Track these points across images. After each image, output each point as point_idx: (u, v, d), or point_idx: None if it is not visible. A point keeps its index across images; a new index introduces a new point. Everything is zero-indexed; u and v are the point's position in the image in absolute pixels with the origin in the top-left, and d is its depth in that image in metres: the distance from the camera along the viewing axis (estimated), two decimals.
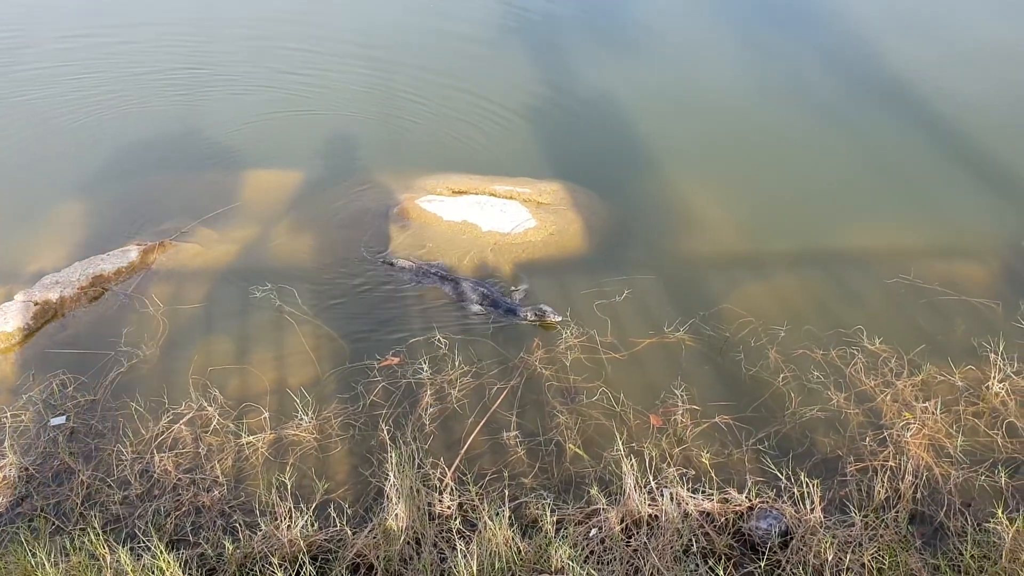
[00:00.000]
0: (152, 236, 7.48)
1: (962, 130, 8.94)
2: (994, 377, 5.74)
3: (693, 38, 11.48)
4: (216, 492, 5.17)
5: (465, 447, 5.48)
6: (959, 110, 9.30)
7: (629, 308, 6.59)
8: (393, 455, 4.98)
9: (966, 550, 4.52)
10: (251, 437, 5.52)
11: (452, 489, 5.06)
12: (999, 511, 4.64)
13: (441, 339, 6.25)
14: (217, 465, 5.34)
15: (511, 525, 4.69)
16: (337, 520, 4.84)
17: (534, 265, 7.17)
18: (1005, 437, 5.45)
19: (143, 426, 5.62)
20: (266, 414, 5.69)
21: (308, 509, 4.87)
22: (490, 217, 7.54)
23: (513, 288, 6.88)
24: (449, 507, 4.97)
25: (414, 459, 5.13)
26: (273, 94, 9.95)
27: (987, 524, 4.71)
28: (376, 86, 10.14)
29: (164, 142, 9.03)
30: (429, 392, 5.85)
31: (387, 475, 4.90)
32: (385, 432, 5.50)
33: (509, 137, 9.05)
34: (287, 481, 5.09)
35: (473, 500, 4.99)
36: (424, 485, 5.06)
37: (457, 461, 5.36)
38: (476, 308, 6.60)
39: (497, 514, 4.68)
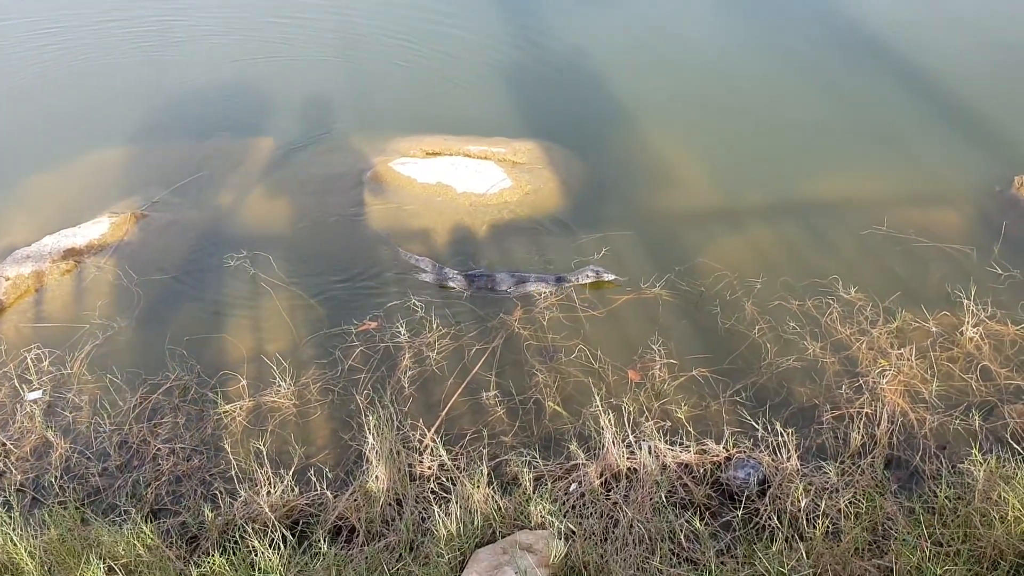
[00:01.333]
0: (124, 207, 7.38)
1: (935, 77, 8.89)
2: (968, 322, 5.78)
3: None
4: (196, 461, 5.17)
5: (446, 408, 5.49)
6: (932, 57, 9.24)
7: (606, 265, 6.56)
8: (371, 418, 4.98)
9: (940, 492, 4.57)
10: (229, 405, 5.51)
11: (433, 450, 5.07)
12: (973, 452, 4.69)
13: (417, 302, 6.23)
14: (196, 434, 5.35)
15: (490, 483, 4.72)
16: (318, 484, 4.86)
17: (511, 225, 7.14)
18: (979, 381, 5.50)
19: (120, 398, 5.60)
20: (244, 381, 5.67)
21: (288, 474, 4.88)
22: (465, 178, 7.49)
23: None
24: (430, 467, 4.99)
25: (393, 421, 5.14)
26: (241, 61, 9.79)
27: (961, 466, 4.76)
28: (345, 48, 10.00)
29: (132, 111, 8.88)
30: (408, 355, 5.84)
31: (367, 438, 4.91)
32: (364, 396, 5.50)
33: (482, 97, 8.96)
34: (266, 448, 5.08)
35: (455, 460, 5.01)
36: (404, 447, 5.07)
37: (437, 422, 5.37)
38: (524, 291, 6.42)
39: (476, 473, 4.71)
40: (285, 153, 8.12)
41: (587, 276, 6.46)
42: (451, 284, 6.48)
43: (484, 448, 5.11)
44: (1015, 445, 4.91)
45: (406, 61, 9.63)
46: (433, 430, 5.27)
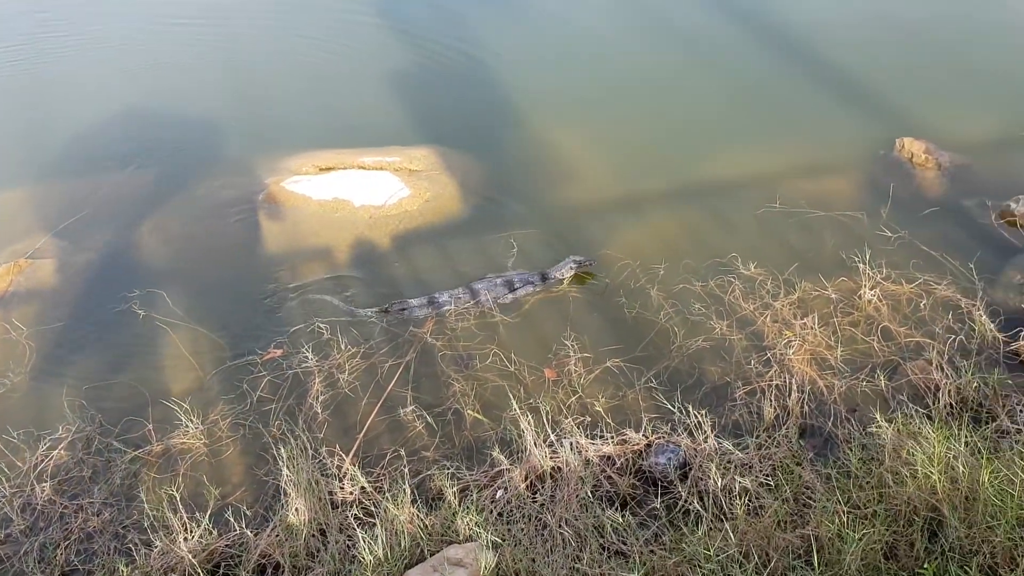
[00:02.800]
0: (5, 257, 7.00)
1: (815, 51, 9.13)
2: (865, 286, 5.96)
3: None
4: (107, 514, 4.94)
5: (363, 430, 5.38)
6: (811, 32, 9.49)
7: (514, 265, 6.54)
8: (284, 450, 4.84)
9: (854, 455, 4.69)
10: (137, 452, 5.28)
11: (352, 474, 4.96)
12: (878, 414, 4.82)
13: (322, 324, 6.08)
14: (104, 486, 5.10)
15: (414, 502, 4.65)
16: (237, 524, 4.69)
17: (414, 234, 7.05)
18: (881, 341, 5.68)
19: (19, 458, 5.30)
20: (150, 426, 5.44)
21: (205, 517, 4.70)
22: (362, 191, 7.36)
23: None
24: (351, 493, 4.88)
25: (308, 450, 5.00)
26: (116, 89, 9.38)
27: (871, 428, 4.89)
28: (226, 67, 9.68)
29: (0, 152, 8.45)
30: (318, 380, 5.70)
31: (282, 471, 4.76)
32: (276, 427, 5.35)
33: (372, 106, 8.80)
34: (179, 493, 4.88)
35: (376, 482, 4.92)
36: (323, 475, 4.95)
37: (355, 446, 5.27)
38: (513, 296, 6.34)
39: (399, 493, 4.63)
40: (172, 182, 7.82)
41: (569, 268, 6.46)
42: (446, 308, 6.24)
43: (405, 466, 5.02)
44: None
45: (293, 75, 9.39)
46: (351, 454, 5.16)
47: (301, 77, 9.37)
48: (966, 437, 4.43)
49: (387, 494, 4.72)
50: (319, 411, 5.51)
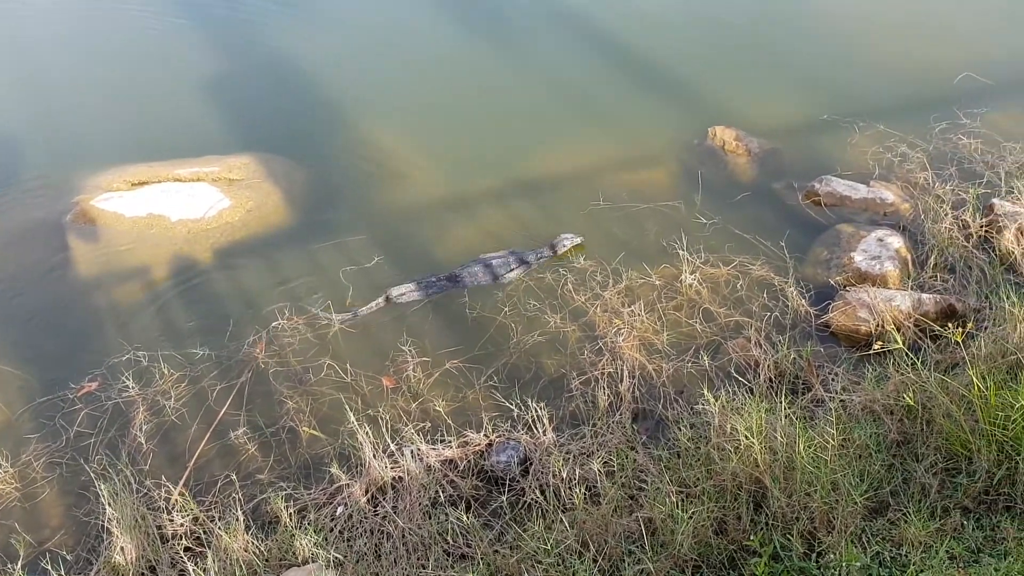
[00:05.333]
0: None
1: (629, 43, 9.35)
2: (686, 271, 6.20)
3: None
4: None
5: (193, 458, 5.12)
6: (624, 24, 9.69)
7: (346, 273, 6.41)
8: (106, 486, 4.54)
9: (683, 435, 4.87)
10: None
11: (183, 505, 4.71)
12: (705, 392, 5.02)
13: (141, 352, 5.74)
14: None
15: (248, 528, 4.47)
16: (55, 572, 4.35)
17: (237, 247, 6.78)
18: (703, 323, 5.93)
19: None
20: None
21: (18, 568, 4.34)
22: (178, 205, 6.99)
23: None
24: (182, 524, 4.63)
25: (132, 484, 4.71)
26: None
27: (698, 407, 5.10)
28: (19, 79, 8.95)
29: None
30: (142, 409, 5.38)
31: (105, 509, 4.46)
32: (96, 463, 5.01)
33: (185, 114, 8.34)
34: None
35: (208, 511, 4.69)
36: (150, 509, 4.67)
37: (185, 474, 5.01)
38: (511, 277, 6.42)
39: (233, 520, 4.43)
40: None
41: (563, 245, 6.62)
42: (439, 288, 6.32)
43: (239, 491, 4.81)
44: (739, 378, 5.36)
45: (95, 86, 8.76)
46: (181, 484, 4.91)
47: (105, 87, 8.75)
48: (784, 409, 4.69)
49: (220, 523, 4.52)
50: (144, 442, 5.21)
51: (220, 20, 9.96)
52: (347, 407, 5.16)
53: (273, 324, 5.99)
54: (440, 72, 9.04)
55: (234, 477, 4.94)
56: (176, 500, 4.74)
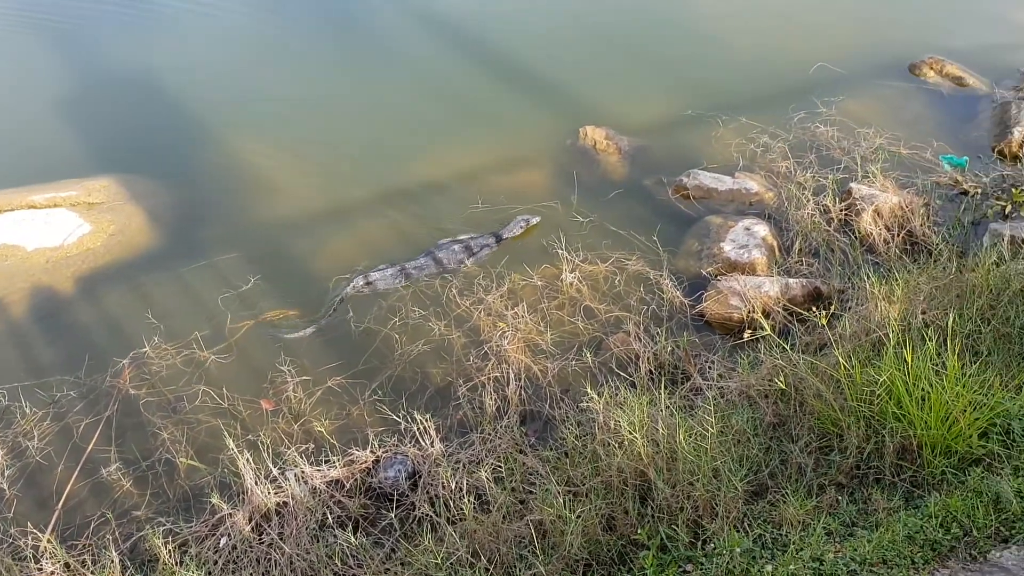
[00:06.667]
0: None
1: (498, 46, 9.35)
2: (565, 270, 6.27)
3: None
4: None
5: (62, 500, 4.84)
6: (494, 26, 9.69)
7: (218, 294, 6.19)
8: None
9: (570, 433, 4.90)
10: None
11: (52, 551, 4.43)
12: (589, 388, 5.05)
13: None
14: None
15: (125, 568, 4.25)
16: None
17: (101, 273, 6.45)
18: (585, 320, 5.99)
19: None
20: None
21: None
22: (35, 233, 6.60)
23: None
24: (52, 572, 4.36)
25: None
26: None
27: (583, 404, 5.13)
28: None
29: None
30: (1, 453, 5.04)
31: None
32: None
33: (37, 138, 7.90)
34: None
35: (80, 555, 4.43)
36: (15, 559, 4.38)
37: (54, 518, 4.73)
38: (472, 261, 6.56)
39: (108, 562, 4.21)
40: None
41: (519, 227, 6.80)
42: (417, 274, 6.43)
43: (114, 531, 4.58)
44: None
45: None
46: (49, 529, 4.62)
47: None
48: (664, 400, 4.77)
49: (94, 567, 4.28)
50: (6, 487, 4.88)
51: (67, 34, 9.46)
52: (225, 433, 4.98)
53: (135, 352, 5.73)
54: (309, 81, 8.85)
55: (109, 516, 4.71)
56: (45, 547, 4.45)
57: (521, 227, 6.81)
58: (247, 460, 4.72)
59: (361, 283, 6.27)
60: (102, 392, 5.50)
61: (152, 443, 5.19)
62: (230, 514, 4.59)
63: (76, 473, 5.01)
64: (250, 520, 4.59)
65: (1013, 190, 6.66)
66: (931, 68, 8.41)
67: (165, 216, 7.00)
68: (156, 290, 6.31)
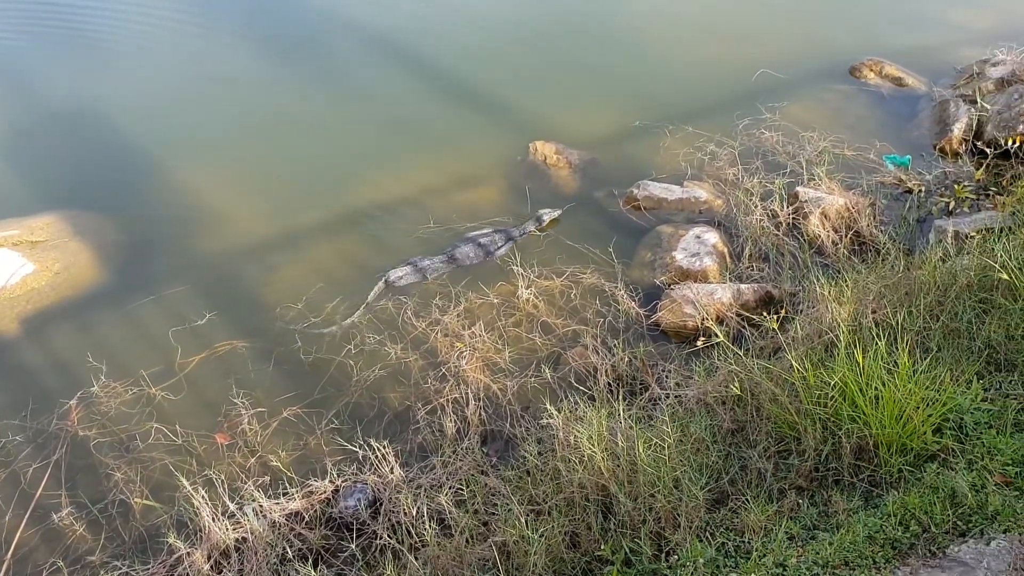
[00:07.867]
0: None
1: (445, 64, 9.34)
2: (521, 286, 6.25)
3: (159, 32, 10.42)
4: None
5: (11, 551, 4.69)
6: (441, 44, 9.68)
7: (168, 328, 6.07)
8: None
9: (531, 451, 4.87)
10: None
11: None
12: (548, 404, 5.02)
13: None
14: None
15: None
16: None
17: (46, 314, 6.29)
18: (542, 336, 5.98)
19: None
20: None
21: None
22: None
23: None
24: None
25: None
26: None
27: (543, 421, 5.10)
28: None
29: None
30: None
31: None
32: None
33: None
34: None
35: None
36: None
37: (3, 569, 4.58)
38: (501, 253, 6.73)
39: None
40: None
41: (543, 220, 6.99)
42: (435, 269, 6.61)
43: None
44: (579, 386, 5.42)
45: None
46: None
47: None
48: (623, 412, 4.76)
49: None
50: None
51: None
52: (180, 471, 4.87)
53: (83, 391, 5.58)
54: (256, 108, 8.71)
55: (61, 564, 4.60)
56: None
57: (544, 219, 7.01)
58: (203, 497, 4.61)
59: (382, 285, 6.46)
60: (50, 435, 5.35)
61: (105, 484, 5.06)
62: (188, 553, 4.49)
63: (25, 520, 4.86)
64: (208, 558, 4.49)
65: (955, 186, 6.80)
66: (871, 70, 8.57)
67: (112, 251, 6.85)
68: (104, 328, 6.17)
